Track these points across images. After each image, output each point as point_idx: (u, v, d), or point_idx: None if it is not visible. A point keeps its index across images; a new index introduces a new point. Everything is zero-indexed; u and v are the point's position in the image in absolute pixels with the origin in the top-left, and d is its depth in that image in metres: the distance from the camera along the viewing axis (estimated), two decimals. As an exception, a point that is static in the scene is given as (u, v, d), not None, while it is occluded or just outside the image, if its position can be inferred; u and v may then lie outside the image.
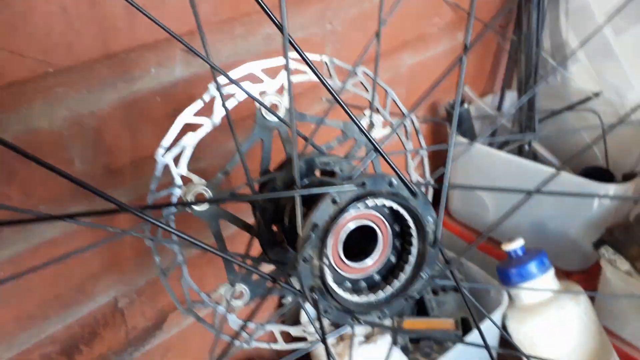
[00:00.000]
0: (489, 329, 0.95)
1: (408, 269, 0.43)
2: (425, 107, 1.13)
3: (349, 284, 0.44)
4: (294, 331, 0.55)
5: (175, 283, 0.49)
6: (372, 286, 0.44)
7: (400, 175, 0.40)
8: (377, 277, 0.45)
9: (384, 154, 0.38)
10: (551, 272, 0.95)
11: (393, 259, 0.45)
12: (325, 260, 0.40)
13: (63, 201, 0.62)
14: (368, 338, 0.92)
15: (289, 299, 0.94)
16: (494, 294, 1.00)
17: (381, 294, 0.43)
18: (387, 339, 0.90)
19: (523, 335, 0.95)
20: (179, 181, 0.47)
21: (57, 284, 0.67)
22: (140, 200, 0.69)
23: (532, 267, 0.93)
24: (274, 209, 0.50)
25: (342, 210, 0.39)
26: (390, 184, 0.40)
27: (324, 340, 0.39)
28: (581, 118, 1.10)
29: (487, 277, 1.03)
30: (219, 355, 0.38)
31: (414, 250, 0.43)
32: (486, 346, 0.45)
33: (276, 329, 0.55)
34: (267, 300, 0.50)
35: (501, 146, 1.15)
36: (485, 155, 1.06)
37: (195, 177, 0.48)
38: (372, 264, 0.44)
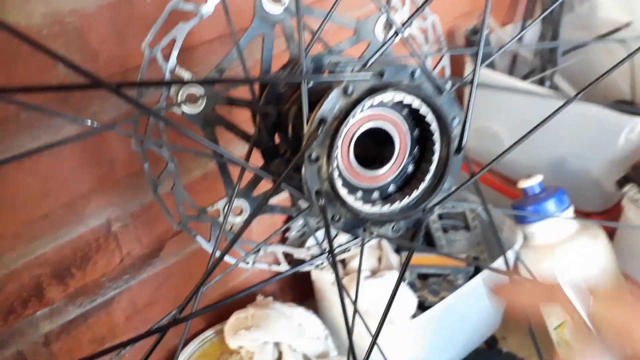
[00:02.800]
0: (502, 267, 0.90)
1: (428, 178, 0.38)
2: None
3: (360, 195, 0.39)
4: (297, 253, 0.51)
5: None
6: (386, 198, 0.39)
7: (424, 66, 0.34)
8: (392, 188, 0.39)
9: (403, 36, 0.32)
10: (570, 211, 0.90)
11: (410, 169, 0.40)
12: (334, 162, 0.34)
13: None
14: (374, 273, 0.89)
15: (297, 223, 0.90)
16: (507, 232, 0.95)
17: (397, 205, 0.38)
18: (394, 273, 0.87)
19: (537, 276, 0.91)
20: (168, 77, 0.41)
21: (44, 203, 0.63)
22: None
23: (550, 204, 0.88)
24: (277, 114, 0.44)
25: (355, 104, 0.34)
26: (413, 75, 0.34)
27: (331, 252, 0.34)
28: (609, 51, 1.02)
29: (502, 218, 0.98)
30: (209, 269, 0.34)
31: (436, 157, 0.38)
32: (509, 273, 0.41)
33: (279, 249, 0.51)
34: (278, 228, 0.45)
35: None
36: (504, 85, 0.99)
37: (187, 74, 0.42)
38: (387, 172, 0.38)
